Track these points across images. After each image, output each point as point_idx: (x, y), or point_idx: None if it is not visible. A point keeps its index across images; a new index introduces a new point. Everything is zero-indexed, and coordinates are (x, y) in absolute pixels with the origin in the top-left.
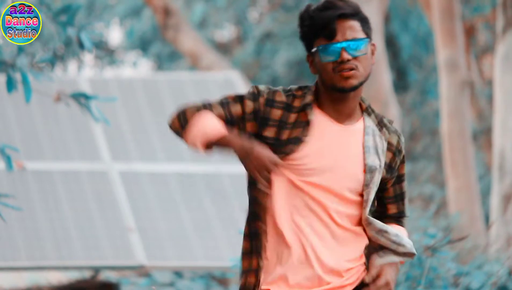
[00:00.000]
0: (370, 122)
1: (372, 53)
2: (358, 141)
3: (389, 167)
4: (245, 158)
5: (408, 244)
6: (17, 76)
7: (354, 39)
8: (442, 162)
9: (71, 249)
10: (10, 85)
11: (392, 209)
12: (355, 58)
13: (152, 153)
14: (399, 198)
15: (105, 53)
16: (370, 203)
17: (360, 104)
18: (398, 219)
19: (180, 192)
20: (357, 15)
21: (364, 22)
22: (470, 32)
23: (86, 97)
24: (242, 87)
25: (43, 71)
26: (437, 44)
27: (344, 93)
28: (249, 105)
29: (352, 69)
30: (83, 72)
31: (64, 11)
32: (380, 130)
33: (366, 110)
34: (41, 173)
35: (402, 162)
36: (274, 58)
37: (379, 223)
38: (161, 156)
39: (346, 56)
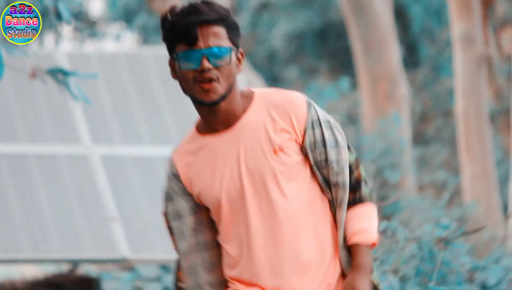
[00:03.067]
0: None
1: (239, 62)
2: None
3: None
4: None
5: None
6: None
7: (217, 47)
8: (457, 146)
9: (47, 241)
10: None
11: None
12: (216, 68)
13: (137, 135)
14: None
15: (85, 25)
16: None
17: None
18: None
19: None
20: (223, 21)
21: (232, 29)
22: (487, 3)
23: (64, 73)
24: None
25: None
26: (451, 16)
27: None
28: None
29: (211, 80)
30: (61, 45)
31: None
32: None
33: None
34: (15, 157)
35: None
36: (272, 31)
37: None
38: (147, 138)
39: (206, 64)
